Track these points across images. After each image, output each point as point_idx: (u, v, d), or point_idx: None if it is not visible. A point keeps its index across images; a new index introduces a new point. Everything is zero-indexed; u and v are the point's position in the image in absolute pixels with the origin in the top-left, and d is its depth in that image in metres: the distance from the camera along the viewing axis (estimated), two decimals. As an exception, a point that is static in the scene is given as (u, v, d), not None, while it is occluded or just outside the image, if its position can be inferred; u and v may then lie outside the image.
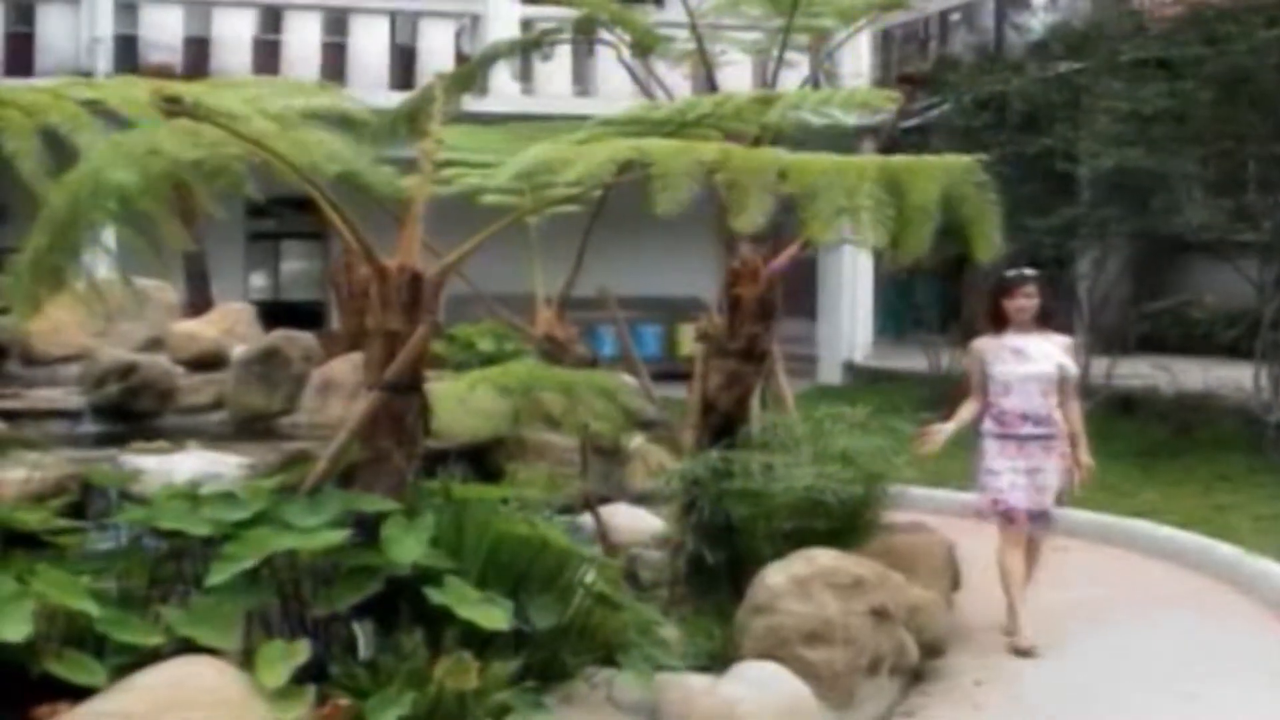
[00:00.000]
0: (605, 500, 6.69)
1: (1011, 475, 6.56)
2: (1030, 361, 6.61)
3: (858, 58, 16.84)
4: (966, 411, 6.75)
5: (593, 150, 4.79)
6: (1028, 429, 6.57)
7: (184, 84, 4.86)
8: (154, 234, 4.66)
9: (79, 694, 4.11)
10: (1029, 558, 6.72)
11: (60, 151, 4.49)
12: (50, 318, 6.50)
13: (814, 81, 8.31)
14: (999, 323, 6.74)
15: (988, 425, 6.67)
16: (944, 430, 6.68)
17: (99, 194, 4.32)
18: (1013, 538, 6.60)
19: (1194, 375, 12.56)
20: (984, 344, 6.77)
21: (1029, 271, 6.87)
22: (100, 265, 4.85)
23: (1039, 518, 6.65)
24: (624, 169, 4.92)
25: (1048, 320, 6.83)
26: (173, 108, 4.54)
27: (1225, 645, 6.53)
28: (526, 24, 15.45)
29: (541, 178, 5.06)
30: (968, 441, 6.87)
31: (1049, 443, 6.59)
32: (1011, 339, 6.68)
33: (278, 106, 4.81)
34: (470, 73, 8.96)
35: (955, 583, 6.72)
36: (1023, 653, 6.31)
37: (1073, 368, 6.78)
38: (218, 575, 4.43)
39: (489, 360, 8.48)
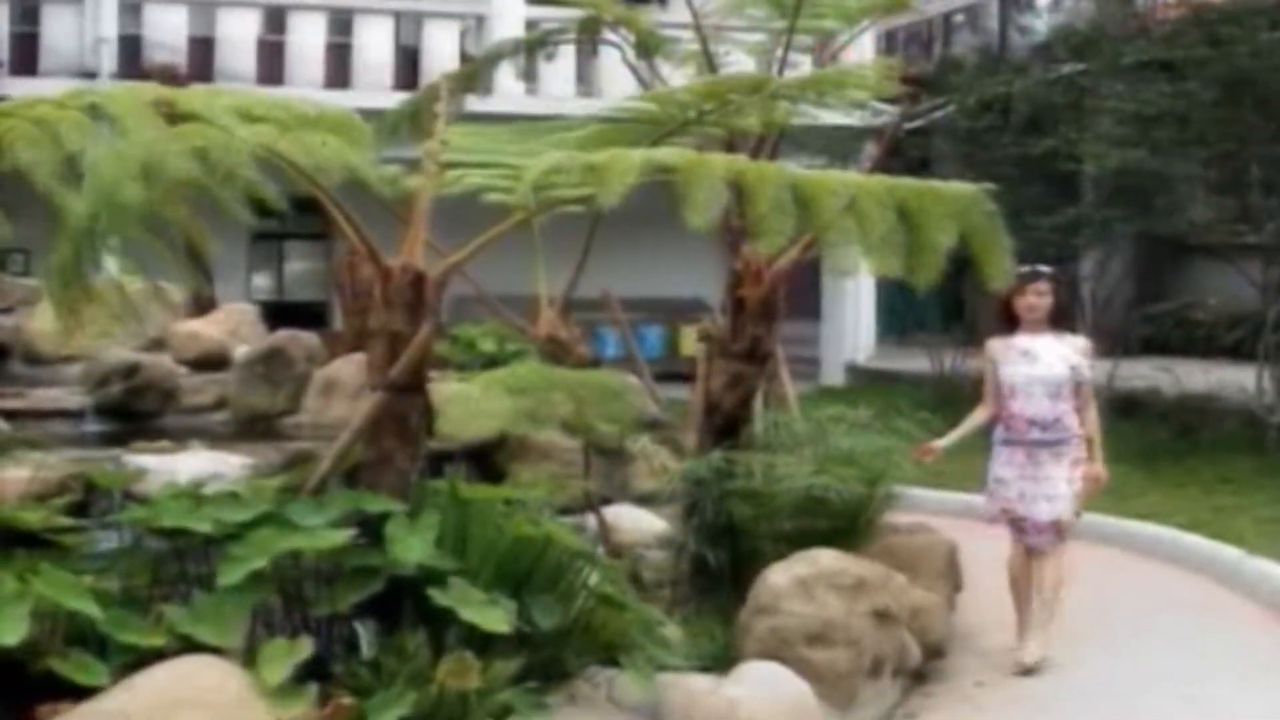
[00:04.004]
0: (608, 501, 6.69)
1: (1020, 484, 6.30)
2: (1038, 363, 6.30)
3: (861, 59, 16.81)
4: (977, 417, 6.54)
5: (618, 161, 4.72)
6: (1035, 434, 6.28)
7: (187, 92, 4.86)
8: (167, 235, 4.65)
9: (81, 693, 4.11)
10: (1045, 570, 6.41)
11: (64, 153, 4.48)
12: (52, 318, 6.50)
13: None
14: (1010, 322, 6.43)
15: (998, 431, 6.43)
16: (940, 443, 6.51)
17: (116, 213, 4.29)
18: (1023, 547, 6.42)
19: (1196, 377, 12.55)
20: (995, 345, 6.48)
21: (1043, 268, 6.49)
22: (110, 266, 4.84)
23: (1047, 529, 6.33)
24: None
25: (1063, 320, 6.56)
26: (173, 111, 4.54)
27: (1227, 647, 6.52)
28: (531, 24, 15.44)
29: (550, 178, 5.03)
30: (971, 443, 6.82)
31: (1059, 449, 6.28)
32: (1021, 340, 6.38)
33: (279, 113, 4.82)
34: (474, 73, 8.98)
35: (957, 584, 6.72)
36: (1025, 670, 6.11)
37: (1087, 371, 6.42)
38: (228, 576, 4.43)
39: (491, 361, 8.48)
